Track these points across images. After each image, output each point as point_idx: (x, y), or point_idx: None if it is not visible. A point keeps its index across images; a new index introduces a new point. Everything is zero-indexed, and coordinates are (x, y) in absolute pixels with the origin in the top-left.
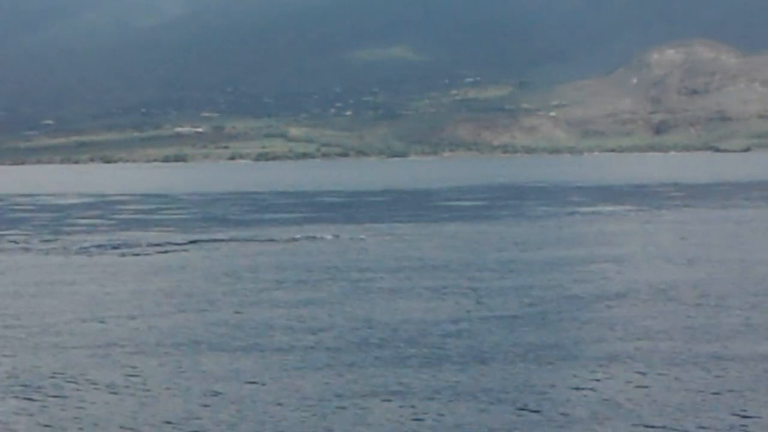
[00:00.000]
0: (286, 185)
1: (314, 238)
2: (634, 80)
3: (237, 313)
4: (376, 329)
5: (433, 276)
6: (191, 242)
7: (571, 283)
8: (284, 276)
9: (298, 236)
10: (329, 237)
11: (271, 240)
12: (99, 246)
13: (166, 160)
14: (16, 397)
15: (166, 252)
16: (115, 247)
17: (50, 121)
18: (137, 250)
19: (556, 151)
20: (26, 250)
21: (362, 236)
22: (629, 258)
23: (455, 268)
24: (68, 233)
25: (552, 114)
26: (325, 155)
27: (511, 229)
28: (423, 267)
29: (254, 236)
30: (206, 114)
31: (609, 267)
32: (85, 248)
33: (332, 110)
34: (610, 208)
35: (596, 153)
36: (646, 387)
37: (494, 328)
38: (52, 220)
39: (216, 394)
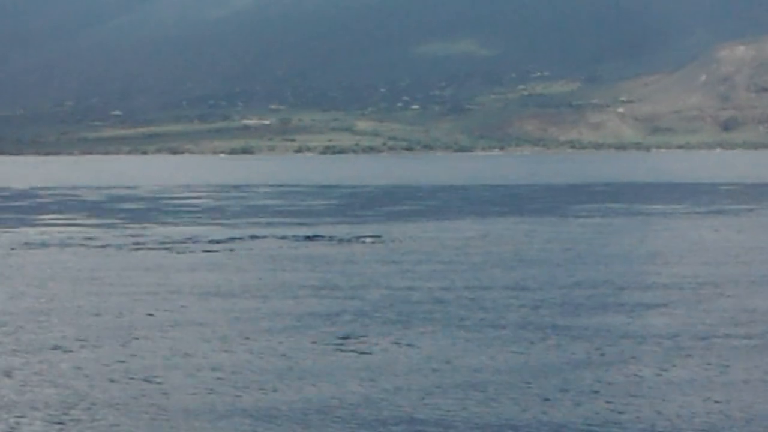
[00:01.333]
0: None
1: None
2: (703, 77)
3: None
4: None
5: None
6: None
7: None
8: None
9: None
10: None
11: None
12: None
13: (233, 152)
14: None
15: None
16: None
17: (118, 112)
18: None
19: (622, 147)
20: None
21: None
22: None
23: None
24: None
25: (619, 110)
26: (391, 149)
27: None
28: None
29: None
30: (273, 106)
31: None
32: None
33: (399, 104)
34: (685, 208)
35: (663, 150)
36: None
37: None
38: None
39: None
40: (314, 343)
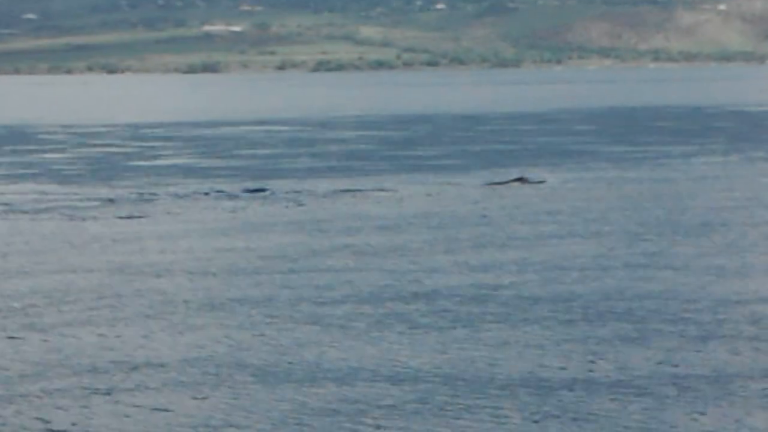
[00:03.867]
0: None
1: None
2: None
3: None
4: None
5: None
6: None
7: None
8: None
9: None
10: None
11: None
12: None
13: (191, 70)
14: None
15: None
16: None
17: (32, 16)
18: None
19: (726, 58)
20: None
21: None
22: None
23: None
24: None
25: (721, 7)
26: (407, 64)
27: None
28: None
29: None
30: (246, 7)
31: None
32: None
33: (418, 2)
34: None
35: None
36: None
37: None
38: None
39: None
40: None
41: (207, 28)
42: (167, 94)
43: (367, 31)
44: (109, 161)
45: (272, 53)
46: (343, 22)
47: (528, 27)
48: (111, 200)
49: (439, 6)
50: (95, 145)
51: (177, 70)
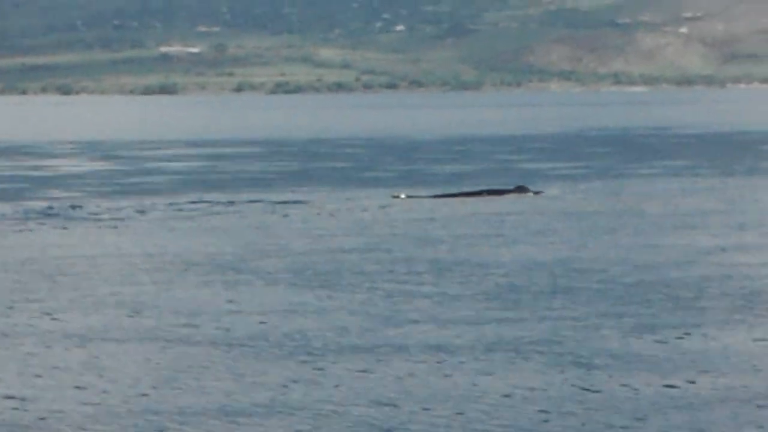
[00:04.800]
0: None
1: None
2: None
3: None
4: None
5: None
6: None
7: None
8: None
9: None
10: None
11: None
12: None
13: (148, 91)
14: None
15: None
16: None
17: None
18: None
19: (687, 82)
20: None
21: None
22: None
23: None
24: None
25: (682, 30)
26: (366, 86)
27: None
28: None
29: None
30: (203, 28)
31: None
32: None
33: (377, 24)
34: None
35: (743, 85)
36: None
37: None
38: None
39: None
40: None
41: (164, 49)
42: (103, 115)
43: (326, 52)
44: None
45: (230, 75)
46: (302, 43)
47: (488, 49)
48: None
49: (399, 28)
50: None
51: (133, 91)
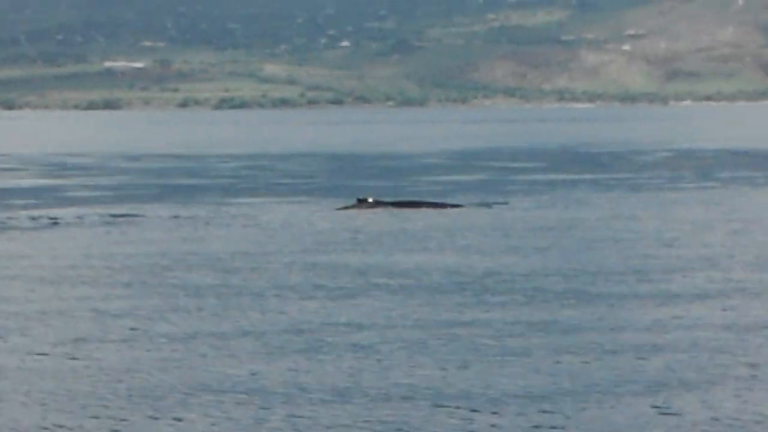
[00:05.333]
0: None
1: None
2: (740, 1)
3: None
4: None
5: None
6: None
7: None
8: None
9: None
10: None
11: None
12: None
13: (92, 106)
14: None
15: None
16: None
17: None
18: None
19: (630, 99)
20: None
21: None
22: None
23: None
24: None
25: (625, 48)
26: (311, 102)
27: None
28: None
29: None
30: (148, 43)
31: None
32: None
33: (322, 41)
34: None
35: (686, 102)
36: None
37: None
38: None
39: None
40: None
41: (108, 64)
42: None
43: (271, 68)
44: None
45: (175, 90)
46: (247, 59)
47: (433, 66)
48: None
49: (344, 44)
50: None
51: (77, 106)
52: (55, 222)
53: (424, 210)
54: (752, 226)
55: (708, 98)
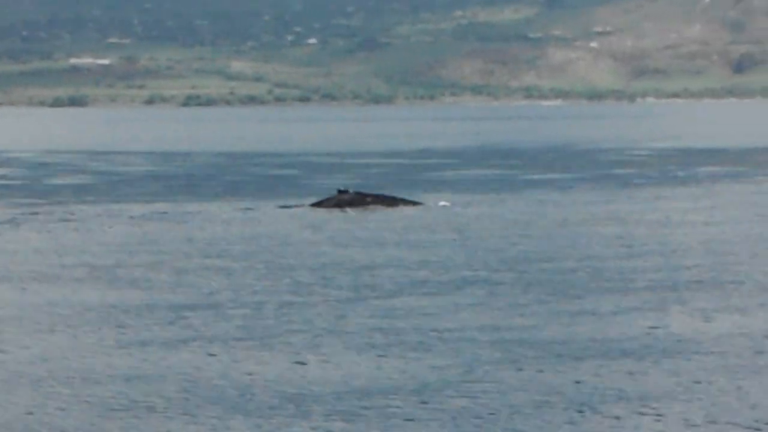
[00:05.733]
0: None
1: None
2: None
3: None
4: None
5: None
6: None
7: None
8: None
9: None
10: None
11: None
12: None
13: (57, 103)
14: None
15: None
16: None
17: None
18: None
19: (597, 96)
20: None
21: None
22: None
23: None
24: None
25: (592, 45)
26: (278, 99)
27: None
28: None
29: None
30: (114, 40)
31: None
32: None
33: (289, 38)
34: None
35: (652, 99)
36: None
37: None
38: None
39: None
40: None
41: (74, 61)
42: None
43: (239, 65)
44: None
45: (141, 87)
46: (214, 56)
47: (401, 63)
48: None
49: (311, 41)
50: None
51: (43, 103)
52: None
53: (401, 207)
54: (699, 222)
55: (675, 95)
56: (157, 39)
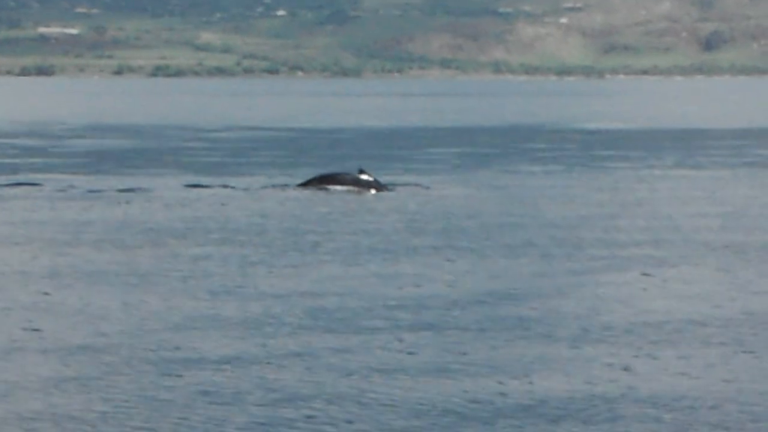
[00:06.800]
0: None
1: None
2: None
3: None
4: None
5: None
6: None
7: None
8: None
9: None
10: None
11: None
12: None
13: (25, 72)
14: None
15: None
16: None
17: None
18: None
19: (566, 72)
20: None
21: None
22: None
23: None
24: None
25: (562, 20)
26: (247, 71)
27: None
28: None
29: None
30: (82, 9)
31: None
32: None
33: (258, 9)
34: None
35: (621, 76)
36: None
37: None
38: None
39: None
40: None
41: (42, 30)
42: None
43: (207, 36)
44: None
45: (109, 57)
46: (183, 27)
47: (369, 36)
48: None
49: (280, 13)
50: None
51: (10, 72)
52: None
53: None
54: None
55: (644, 72)
56: (126, 9)
